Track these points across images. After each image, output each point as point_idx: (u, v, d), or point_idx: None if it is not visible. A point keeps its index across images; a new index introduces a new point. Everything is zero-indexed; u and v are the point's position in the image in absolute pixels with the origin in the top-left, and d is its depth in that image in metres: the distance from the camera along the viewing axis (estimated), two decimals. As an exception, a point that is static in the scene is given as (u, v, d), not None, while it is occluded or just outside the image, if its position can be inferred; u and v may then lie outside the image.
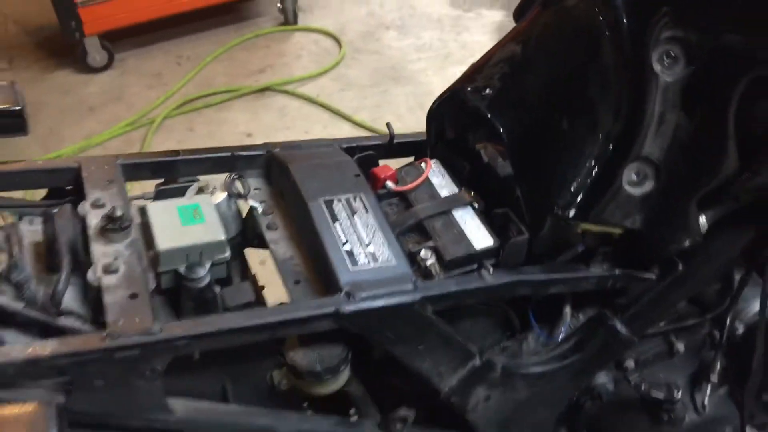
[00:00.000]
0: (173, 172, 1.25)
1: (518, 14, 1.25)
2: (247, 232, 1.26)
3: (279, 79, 3.57)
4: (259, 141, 1.27)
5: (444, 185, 1.24)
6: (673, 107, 1.03)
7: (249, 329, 0.99)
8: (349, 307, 1.02)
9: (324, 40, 3.88)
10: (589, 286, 1.17)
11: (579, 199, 1.09)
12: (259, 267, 1.34)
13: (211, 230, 1.08)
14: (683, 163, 1.05)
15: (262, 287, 1.32)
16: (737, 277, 1.26)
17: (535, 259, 1.15)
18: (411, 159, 1.38)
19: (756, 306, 1.23)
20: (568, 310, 1.21)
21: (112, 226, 1.04)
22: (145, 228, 1.10)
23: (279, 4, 3.83)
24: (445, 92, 1.26)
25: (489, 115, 1.16)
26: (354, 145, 1.33)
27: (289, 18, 3.86)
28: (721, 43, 1.00)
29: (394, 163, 1.32)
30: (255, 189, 1.26)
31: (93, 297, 1.00)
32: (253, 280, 1.28)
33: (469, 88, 1.20)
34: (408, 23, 3.99)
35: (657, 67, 1.02)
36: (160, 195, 1.23)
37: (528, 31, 1.18)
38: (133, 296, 0.98)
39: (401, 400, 1.20)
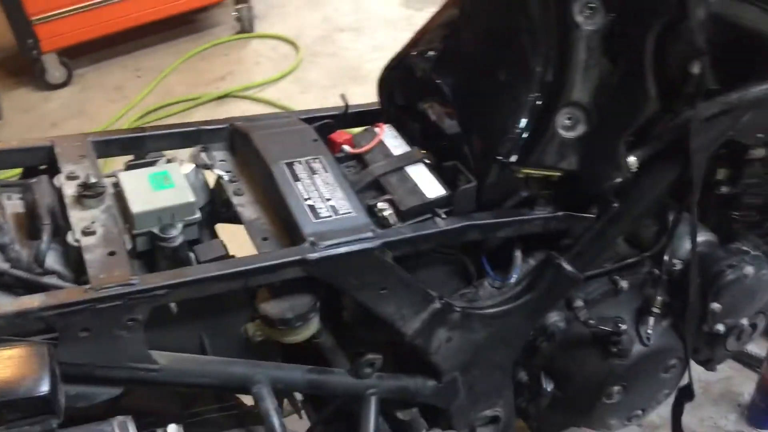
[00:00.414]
0: (142, 148, 1.32)
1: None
2: (215, 201, 1.34)
3: (239, 85, 3.64)
4: None
5: (397, 146, 1.33)
6: (597, 54, 1.14)
7: (222, 277, 1.07)
8: (313, 255, 1.11)
9: (281, 45, 3.97)
10: (535, 228, 1.27)
11: (519, 145, 1.19)
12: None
13: (181, 193, 1.16)
14: (610, 106, 1.16)
15: (232, 257, 1.40)
16: (671, 217, 1.36)
17: (485, 207, 1.25)
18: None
19: (689, 243, 1.33)
20: (518, 254, 1.31)
21: (88, 192, 1.12)
22: (119, 195, 1.17)
23: (235, 13, 3.91)
24: (392, 59, 1.36)
25: (434, 77, 1.26)
26: (312, 116, 1.42)
27: (245, 26, 3.94)
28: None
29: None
30: (221, 160, 1.34)
31: (74, 257, 1.07)
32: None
33: (414, 53, 1.30)
34: (363, 25, 4.10)
35: (579, 18, 1.13)
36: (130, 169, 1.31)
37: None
38: (112, 254, 1.05)
39: (370, 350, 1.29)
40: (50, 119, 3.56)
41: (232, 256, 1.14)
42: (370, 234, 1.15)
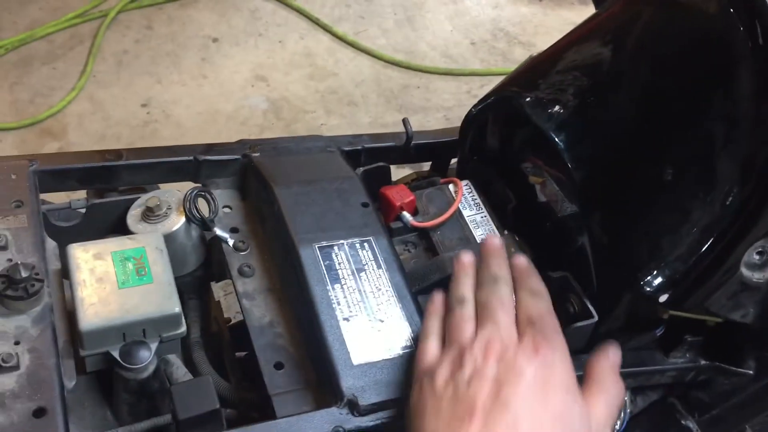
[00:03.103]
0: (111, 180, 0.90)
1: (601, -5, 0.90)
2: (212, 265, 0.94)
3: (255, -26, 3.11)
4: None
5: (479, 222, 0.92)
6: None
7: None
8: (352, 425, 0.73)
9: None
10: (665, 379, 0.89)
11: (676, 279, 0.78)
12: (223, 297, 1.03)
13: (161, 297, 0.76)
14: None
15: (228, 320, 1.01)
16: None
17: (597, 339, 0.86)
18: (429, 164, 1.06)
19: None
20: (627, 398, 0.94)
21: (13, 292, 0.71)
22: (65, 283, 0.77)
23: None
24: (491, 93, 0.92)
25: (557, 141, 0.83)
26: (359, 147, 0.99)
27: None
28: None
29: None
30: (225, 207, 0.93)
31: (-18, 404, 0.69)
32: (217, 321, 0.97)
33: (528, 98, 0.86)
34: None
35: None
36: (92, 213, 0.90)
37: (619, 26, 0.84)
38: (39, 413, 0.67)
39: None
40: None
41: (221, 409, 0.74)
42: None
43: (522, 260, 0.79)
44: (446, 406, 0.66)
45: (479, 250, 0.81)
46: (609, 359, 0.73)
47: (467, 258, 0.79)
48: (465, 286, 0.76)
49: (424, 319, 0.78)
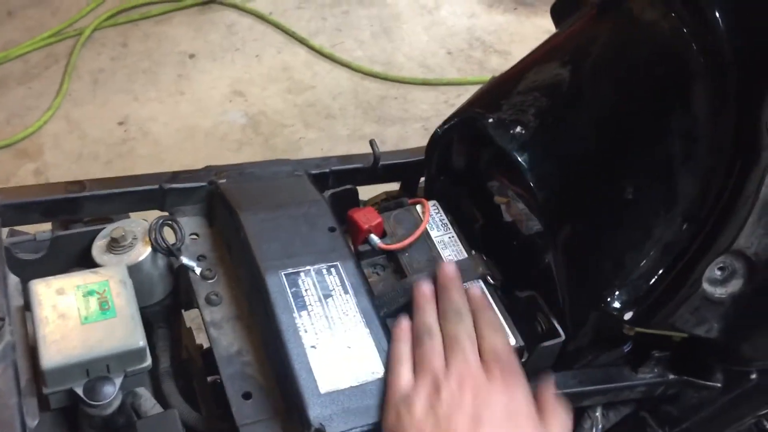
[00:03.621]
0: (76, 212, 0.90)
1: (558, 13, 0.90)
2: (180, 293, 0.94)
3: (229, -10, 3.12)
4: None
5: (447, 243, 0.92)
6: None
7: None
8: (319, 456, 0.72)
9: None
10: (634, 395, 0.89)
11: (640, 297, 0.79)
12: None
13: (125, 331, 0.75)
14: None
15: (200, 347, 1.01)
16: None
17: (565, 357, 0.86)
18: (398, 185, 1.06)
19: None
20: (598, 413, 0.94)
21: (-27, 332, 0.71)
22: (28, 318, 0.76)
23: None
24: (455, 114, 0.92)
25: (519, 161, 0.84)
26: (326, 170, 0.99)
27: None
28: None
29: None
30: (191, 235, 0.93)
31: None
32: (188, 349, 0.97)
33: (491, 119, 0.86)
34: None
35: (777, 138, 0.71)
36: (57, 245, 0.89)
37: (578, 46, 0.84)
38: (0, 455, 0.66)
39: None
40: (7, 6, 3.03)
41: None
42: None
43: (478, 292, 0.84)
44: None
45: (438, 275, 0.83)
46: (552, 387, 0.77)
47: (427, 287, 0.82)
48: (430, 316, 0.80)
49: (392, 344, 0.79)
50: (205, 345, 1.02)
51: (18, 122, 2.57)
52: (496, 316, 0.82)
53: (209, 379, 0.93)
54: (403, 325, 0.80)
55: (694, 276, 0.78)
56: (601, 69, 0.82)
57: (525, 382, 0.74)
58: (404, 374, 0.76)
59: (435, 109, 2.72)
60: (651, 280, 0.78)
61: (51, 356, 0.72)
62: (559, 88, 0.84)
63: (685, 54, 0.75)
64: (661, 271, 0.77)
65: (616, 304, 0.79)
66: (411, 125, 2.66)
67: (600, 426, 0.93)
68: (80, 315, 0.75)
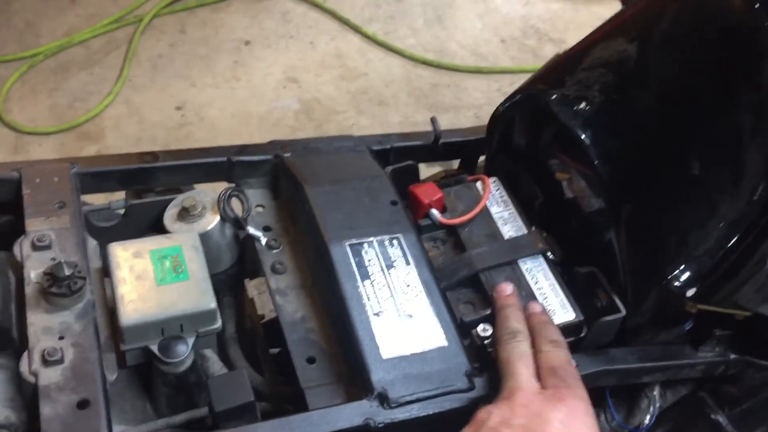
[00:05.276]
0: (149, 181, 0.93)
1: (627, -11, 0.91)
2: (245, 263, 0.97)
3: (285, -23, 3.15)
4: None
5: (507, 219, 0.93)
6: None
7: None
8: (382, 417, 0.74)
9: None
10: (694, 373, 0.89)
11: (703, 274, 0.79)
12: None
13: (198, 293, 0.79)
14: None
15: (262, 317, 1.04)
16: None
17: (625, 334, 0.87)
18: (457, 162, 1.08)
19: None
20: (656, 392, 0.94)
21: (57, 289, 0.74)
22: (106, 281, 0.80)
23: None
24: (518, 91, 0.93)
25: (582, 137, 0.84)
26: (388, 146, 1.01)
27: None
28: None
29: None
30: (257, 207, 0.96)
31: (29, 397, 0.72)
32: (251, 318, 1.00)
33: (554, 95, 0.87)
34: None
35: None
36: (131, 213, 0.93)
37: (645, 23, 0.84)
38: (83, 404, 0.70)
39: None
40: (69, -8, 3.11)
41: (256, 402, 0.76)
42: (464, 383, 0.77)
43: (538, 308, 0.83)
44: None
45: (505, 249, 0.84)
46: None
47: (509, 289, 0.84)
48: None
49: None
50: (267, 316, 1.05)
51: (80, 106, 2.64)
52: (556, 331, 0.80)
53: (271, 351, 0.96)
54: None
55: (759, 253, 0.77)
56: (668, 44, 0.82)
57: (586, 397, 0.73)
58: None
59: (487, 97, 2.71)
60: (715, 257, 0.78)
61: (129, 314, 0.75)
62: (624, 64, 0.84)
63: (756, 30, 0.75)
64: (725, 248, 0.77)
65: (679, 281, 0.79)
66: (463, 113, 2.66)
67: (657, 405, 0.94)
68: (156, 277, 0.79)
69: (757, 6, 0.76)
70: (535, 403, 0.71)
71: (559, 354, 0.77)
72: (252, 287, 0.99)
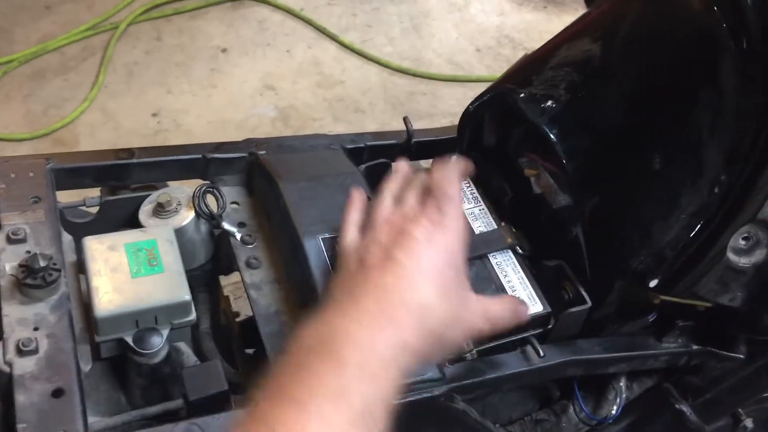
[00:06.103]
0: (124, 178, 0.94)
1: (590, -8, 0.94)
2: (220, 259, 0.98)
3: (260, -13, 3.17)
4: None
5: (477, 215, 0.96)
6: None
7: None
8: (354, 406, 0.76)
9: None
10: (658, 364, 0.92)
11: (666, 265, 0.82)
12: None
13: (172, 285, 0.80)
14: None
15: (237, 314, 1.05)
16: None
17: (591, 325, 0.89)
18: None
19: None
20: (622, 384, 0.96)
21: (32, 281, 0.75)
22: (81, 273, 0.81)
23: None
24: (487, 91, 0.96)
25: (549, 135, 0.87)
26: (362, 145, 1.03)
27: None
28: None
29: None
30: (232, 203, 0.97)
31: (4, 386, 0.72)
32: (226, 314, 1.01)
33: (522, 94, 0.90)
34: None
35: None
36: (106, 209, 0.94)
37: (609, 24, 0.87)
38: (58, 393, 0.70)
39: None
40: (44, 1, 3.11)
41: (230, 392, 0.78)
42: (435, 373, 0.79)
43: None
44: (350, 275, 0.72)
45: (475, 243, 0.86)
46: None
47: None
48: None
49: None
50: (242, 314, 1.07)
51: (55, 113, 2.64)
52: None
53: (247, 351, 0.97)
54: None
55: (718, 245, 0.80)
56: (631, 44, 0.85)
57: (455, 214, 0.73)
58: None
59: (463, 105, 2.70)
60: (676, 249, 0.80)
61: (103, 306, 0.76)
62: (589, 63, 0.87)
63: (715, 32, 0.78)
64: (686, 240, 0.80)
65: (641, 272, 0.82)
66: (439, 121, 2.69)
67: (624, 396, 0.96)
68: (130, 269, 0.80)
69: (715, 9, 0.79)
70: (406, 225, 0.72)
71: (444, 178, 0.76)
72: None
